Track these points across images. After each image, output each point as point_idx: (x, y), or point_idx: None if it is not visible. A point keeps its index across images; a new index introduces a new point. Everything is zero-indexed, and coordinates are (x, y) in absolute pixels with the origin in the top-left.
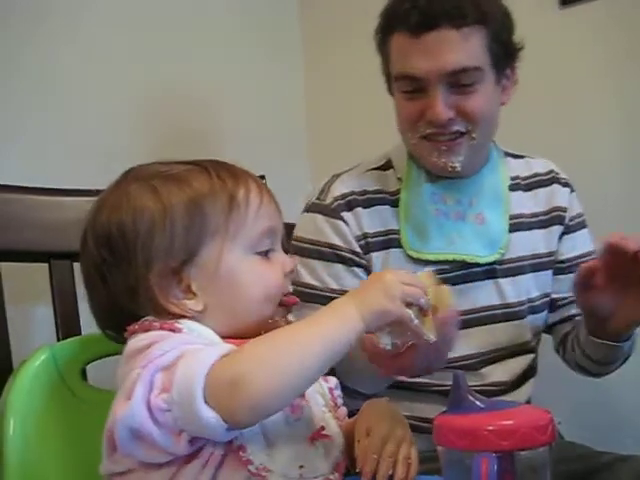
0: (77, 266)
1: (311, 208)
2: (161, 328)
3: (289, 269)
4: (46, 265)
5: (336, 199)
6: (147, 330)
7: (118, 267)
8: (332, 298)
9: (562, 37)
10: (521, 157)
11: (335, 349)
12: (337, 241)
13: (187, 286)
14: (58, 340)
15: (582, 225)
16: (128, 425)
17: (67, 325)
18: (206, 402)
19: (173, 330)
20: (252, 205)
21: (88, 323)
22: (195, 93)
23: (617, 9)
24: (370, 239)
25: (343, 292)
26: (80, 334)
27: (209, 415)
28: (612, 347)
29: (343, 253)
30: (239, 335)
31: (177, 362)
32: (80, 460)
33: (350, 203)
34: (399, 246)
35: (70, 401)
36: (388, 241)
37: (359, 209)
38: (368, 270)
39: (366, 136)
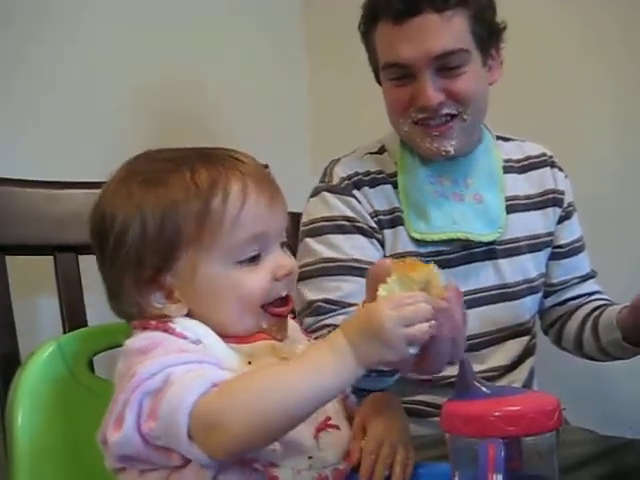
0: (82, 259)
1: (318, 190)
2: (156, 328)
3: (282, 273)
4: (51, 258)
5: (343, 179)
6: (145, 328)
7: (103, 264)
8: (357, 268)
9: (543, 20)
10: (511, 140)
11: (327, 397)
12: (353, 215)
13: (169, 291)
14: (64, 333)
15: (575, 210)
16: (122, 452)
17: (73, 318)
18: (190, 437)
19: (167, 330)
20: (229, 212)
21: (94, 315)
22: (197, 90)
23: None
24: (381, 216)
25: (368, 262)
26: (86, 326)
27: (194, 450)
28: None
29: (361, 224)
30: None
31: (163, 389)
32: (88, 450)
33: (357, 183)
34: (404, 225)
35: (78, 392)
36: (395, 219)
37: (366, 188)
38: (383, 246)
39: (368, 132)
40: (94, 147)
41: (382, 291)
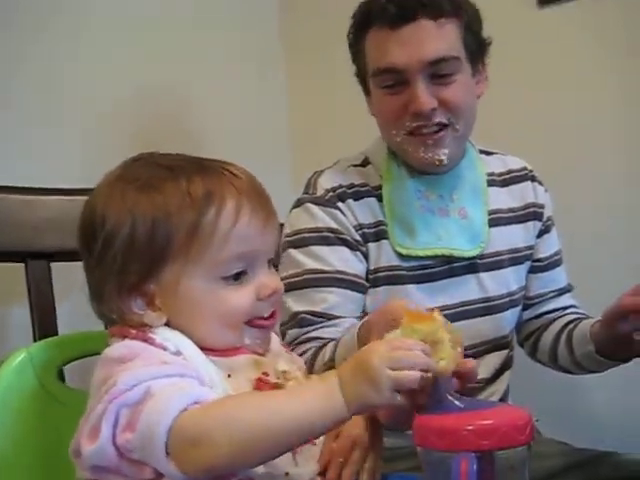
0: (54, 266)
1: (302, 202)
2: (136, 337)
3: (266, 294)
4: (22, 265)
5: (327, 191)
6: (124, 336)
7: (87, 262)
8: (342, 280)
9: (540, 37)
10: (493, 153)
11: (311, 432)
12: (337, 227)
13: (151, 299)
14: (35, 341)
15: (553, 223)
16: (96, 463)
17: (44, 326)
18: (168, 453)
19: (146, 340)
20: (220, 228)
21: (65, 324)
22: (179, 103)
23: (594, 10)
24: (365, 230)
25: (353, 275)
26: (57, 335)
27: (169, 467)
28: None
29: (345, 237)
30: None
31: (143, 401)
32: (57, 461)
33: (341, 195)
34: (388, 239)
35: (47, 403)
36: (380, 232)
37: (350, 201)
38: (367, 259)
39: (348, 140)
40: (70, 153)
41: (387, 336)
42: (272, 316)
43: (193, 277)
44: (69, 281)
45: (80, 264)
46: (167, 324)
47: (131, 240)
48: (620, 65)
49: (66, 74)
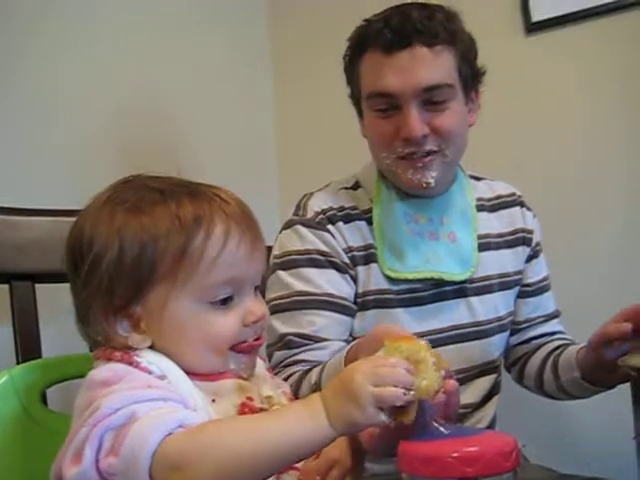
0: (38, 287)
1: (291, 223)
2: (121, 360)
3: (252, 320)
4: (6, 286)
5: (317, 214)
6: (108, 359)
7: (74, 283)
8: (330, 303)
9: (528, 64)
10: (482, 179)
11: (297, 455)
12: (327, 249)
13: (136, 321)
14: (18, 363)
15: (541, 249)
16: None
17: (27, 348)
18: (151, 478)
19: (131, 364)
20: (208, 253)
21: (49, 346)
22: (164, 110)
23: (582, 37)
24: (355, 252)
25: (341, 298)
26: (41, 357)
27: None
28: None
29: (335, 260)
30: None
31: (127, 425)
32: None
33: (331, 218)
34: (378, 262)
35: (29, 426)
36: (369, 256)
37: (340, 224)
38: (356, 282)
39: (335, 152)
40: (55, 175)
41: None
42: (257, 339)
43: (180, 301)
44: (54, 304)
45: (65, 286)
46: (152, 347)
47: (118, 262)
48: (608, 90)
49: (50, 94)
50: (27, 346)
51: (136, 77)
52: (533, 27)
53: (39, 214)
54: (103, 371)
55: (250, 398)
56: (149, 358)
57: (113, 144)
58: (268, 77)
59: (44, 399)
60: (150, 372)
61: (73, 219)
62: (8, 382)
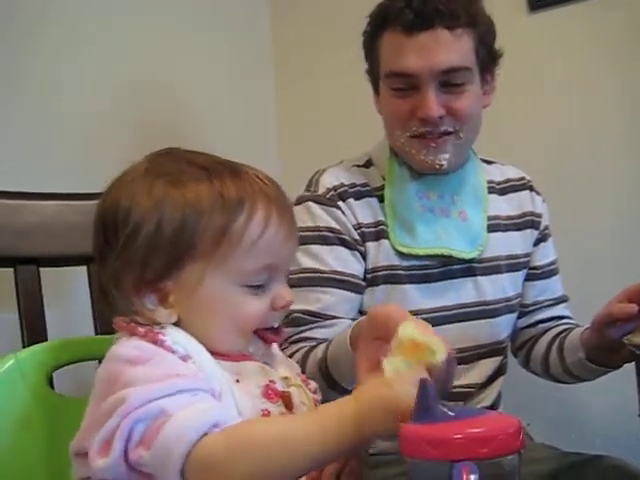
0: (43, 271)
1: (303, 199)
2: (145, 336)
3: (280, 305)
4: (11, 270)
5: (329, 190)
6: (132, 334)
7: (103, 254)
8: (337, 280)
9: (531, 42)
10: (493, 163)
11: (329, 458)
12: (337, 226)
13: (165, 295)
14: (24, 347)
15: (550, 233)
16: (106, 477)
17: (33, 332)
18: (182, 475)
19: (156, 342)
20: (249, 235)
21: (54, 329)
22: (166, 101)
23: (585, 15)
24: (364, 229)
25: (350, 275)
26: (47, 341)
27: None
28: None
29: (344, 237)
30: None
31: (158, 419)
32: (46, 468)
33: (342, 194)
34: (389, 238)
35: (36, 409)
36: (379, 232)
37: (351, 200)
38: (365, 258)
39: (336, 140)
40: (60, 157)
41: (388, 365)
42: (278, 334)
43: (215, 280)
44: (58, 288)
45: (70, 269)
46: (176, 324)
47: (156, 234)
48: (614, 68)
49: (30, 83)
50: (32, 330)
51: (136, 77)
52: (537, 4)
53: (43, 198)
54: (129, 348)
55: (272, 381)
56: (174, 337)
57: (115, 133)
58: (269, 75)
59: (51, 382)
60: (174, 352)
61: (77, 202)
62: (14, 366)
